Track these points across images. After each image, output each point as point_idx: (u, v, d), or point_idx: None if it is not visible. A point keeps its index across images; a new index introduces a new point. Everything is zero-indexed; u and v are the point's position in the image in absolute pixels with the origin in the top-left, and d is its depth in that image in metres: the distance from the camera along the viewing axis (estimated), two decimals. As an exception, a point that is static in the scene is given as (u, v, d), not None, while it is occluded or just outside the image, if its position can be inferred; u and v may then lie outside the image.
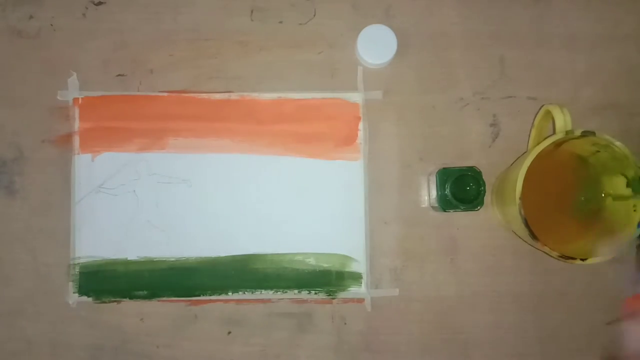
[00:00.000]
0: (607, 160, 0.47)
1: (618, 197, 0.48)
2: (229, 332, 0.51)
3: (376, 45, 0.51)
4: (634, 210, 0.46)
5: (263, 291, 0.51)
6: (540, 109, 0.51)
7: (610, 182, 0.49)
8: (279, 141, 0.52)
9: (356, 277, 0.51)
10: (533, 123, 0.51)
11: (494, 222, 0.52)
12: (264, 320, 0.51)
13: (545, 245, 0.44)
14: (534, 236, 0.44)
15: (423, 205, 0.52)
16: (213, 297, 0.51)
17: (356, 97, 0.52)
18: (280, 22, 0.53)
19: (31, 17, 0.52)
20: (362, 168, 0.52)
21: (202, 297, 0.51)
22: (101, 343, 0.50)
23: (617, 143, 0.45)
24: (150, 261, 0.51)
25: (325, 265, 0.51)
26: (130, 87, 0.52)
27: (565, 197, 0.50)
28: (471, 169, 0.49)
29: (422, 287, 0.51)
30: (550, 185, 0.50)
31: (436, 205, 0.49)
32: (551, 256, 0.45)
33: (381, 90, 0.52)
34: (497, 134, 0.53)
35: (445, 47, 0.53)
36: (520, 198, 0.44)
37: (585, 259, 0.44)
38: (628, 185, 0.46)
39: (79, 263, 0.51)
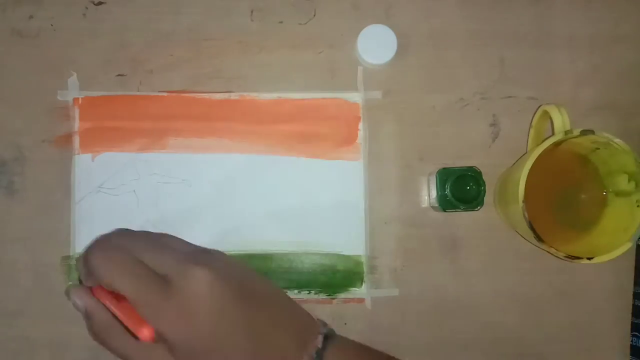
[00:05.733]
0: (607, 157, 0.47)
1: (620, 194, 0.48)
2: (229, 332, 0.51)
3: (376, 45, 0.51)
4: (638, 206, 0.45)
5: (263, 291, 0.51)
6: (537, 109, 0.51)
7: (611, 179, 0.49)
8: (279, 141, 0.52)
9: (356, 277, 0.51)
10: (531, 123, 0.51)
11: (494, 222, 0.52)
12: (264, 320, 0.51)
13: (552, 246, 0.44)
14: (539, 238, 0.44)
15: (423, 205, 0.52)
16: (213, 297, 0.51)
17: (356, 97, 0.52)
18: (280, 22, 0.53)
19: (31, 17, 0.52)
20: (362, 168, 0.52)
21: (202, 297, 0.51)
22: (101, 343, 0.50)
23: (617, 140, 0.45)
24: (150, 261, 0.51)
25: (325, 265, 0.51)
26: (130, 87, 0.52)
27: (567, 196, 0.50)
28: (471, 169, 0.49)
29: (422, 287, 0.51)
30: (552, 184, 0.50)
31: (436, 205, 0.49)
32: (557, 257, 0.45)
33: (381, 90, 0.52)
34: (497, 134, 0.53)
35: (445, 47, 0.53)
36: (523, 201, 0.44)
37: (592, 258, 0.44)
38: (629, 180, 0.46)
39: (79, 263, 0.51)
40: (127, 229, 0.38)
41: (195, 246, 0.38)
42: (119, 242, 0.36)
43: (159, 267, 0.33)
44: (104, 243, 0.36)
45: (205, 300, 0.32)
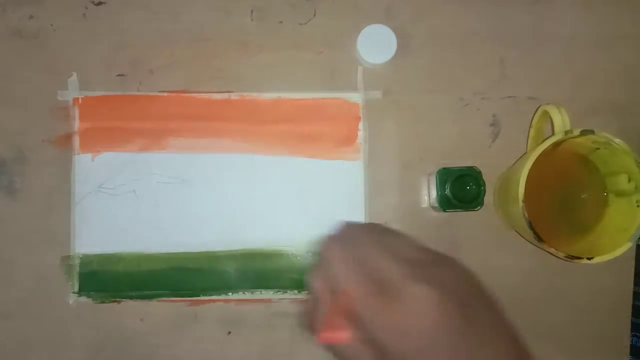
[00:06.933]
0: (607, 157, 0.47)
1: (620, 193, 0.48)
2: (229, 332, 0.51)
3: (376, 45, 0.51)
4: (638, 206, 0.46)
5: (263, 291, 0.51)
6: (537, 109, 0.51)
7: (611, 179, 0.49)
8: (279, 141, 0.52)
9: (356, 277, 0.51)
10: (531, 123, 0.51)
11: (494, 222, 0.52)
12: (264, 320, 0.51)
13: (552, 246, 0.44)
14: (539, 238, 0.44)
15: (423, 205, 0.52)
16: (213, 297, 0.51)
17: (356, 97, 0.52)
18: (280, 22, 0.53)
19: (31, 17, 0.52)
20: (362, 168, 0.52)
21: (202, 297, 0.51)
22: (101, 343, 0.50)
23: (617, 140, 0.45)
24: (151, 261, 0.51)
25: (325, 265, 0.51)
26: (130, 87, 0.52)
27: (567, 196, 0.50)
28: (471, 169, 0.49)
29: (422, 287, 0.51)
30: (551, 184, 0.50)
31: (436, 205, 0.49)
32: (557, 257, 0.45)
33: (381, 90, 0.52)
34: (497, 134, 0.53)
35: (445, 47, 0.53)
36: (523, 201, 0.44)
37: (592, 258, 0.44)
38: (629, 180, 0.46)
39: (78, 263, 0.51)
40: (354, 222, 0.37)
41: (424, 251, 0.35)
42: (351, 238, 0.34)
43: (384, 272, 0.32)
44: (336, 238, 0.35)
45: (421, 319, 0.30)
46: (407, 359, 0.30)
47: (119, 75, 0.52)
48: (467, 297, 0.33)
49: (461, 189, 0.48)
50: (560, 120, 0.46)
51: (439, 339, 0.30)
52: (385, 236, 0.35)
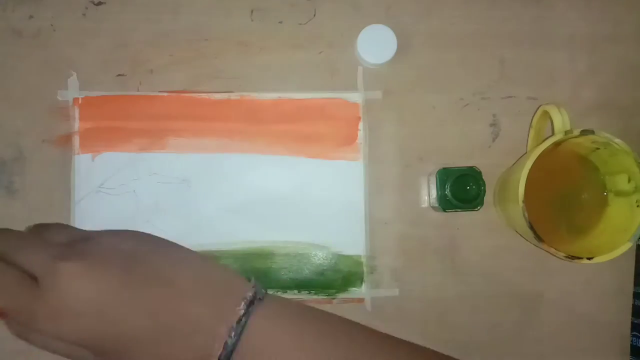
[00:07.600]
0: (607, 157, 0.47)
1: (620, 193, 0.48)
2: (229, 332, 0.51)
3: (376, 45, 0.51)
4: (638, 206, 0.46)
5: (263, 291, 0.51)
6: (537, 109, 0.51)
7: (611, 179, 0.49)
8: (279, 141, 0.52)
9: (356, 277, 0.51)
10: (531, 123, 0.51)
11: (494, 222, 0.52)
12: (264, 320, 0.51)
13: (552, 246, 0.44)
14: (539, 238, 0.44)
15: (423, 205, 0.52)
16: (213, 297, 0.51)
17: (356, 97, 0.52)
18: (280, 22, 0.53)
19: (31, 17, 0.52)
20: (362, 168, 0.52)
21: (202, 297, 0.51)
22: (101, 343, 0.50)
23: (617, 140, 0.45)
24: (150, 261, 0.51)
25: (325, 265, 0.51)
26: (130, 87, 0.52)
27: (567, 196, 0.50)
28: (471, 169, 0.49)
29: (422, 287, 0.51)
30: (552, 184, 0.50)
31: (436, 205, 0.49)
32: (557, 257, 0.45)
33: (381, 90, 0.52)
34: (497, 134, 0.53)
35: (445, 47, 0.53)
36: (523, 201, 0.44)
37: (592, 258, 0.44)
38: (629, 180, 0.46)
39: (78, 263, 0.51)
40: (6, 229, 0.37)
41: (76, 233, 0.36)
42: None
43: (29, 267, 0.32)
44: None
45: (78, 295, 0.31)
46: (96, 334, 0.31)
47: (119, 75, 0.52)
48: (126, 257, 0.34)
49: (461, 189, 0.48)
50: (560, 120, 0.46)
51: (110, 298, 0.31)
52: (33, 232, 0.37)
